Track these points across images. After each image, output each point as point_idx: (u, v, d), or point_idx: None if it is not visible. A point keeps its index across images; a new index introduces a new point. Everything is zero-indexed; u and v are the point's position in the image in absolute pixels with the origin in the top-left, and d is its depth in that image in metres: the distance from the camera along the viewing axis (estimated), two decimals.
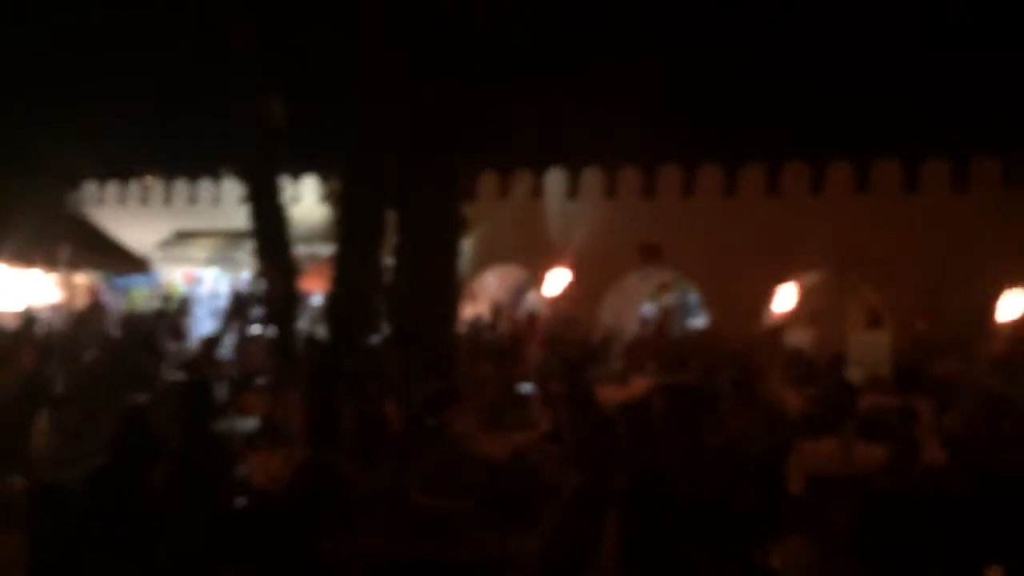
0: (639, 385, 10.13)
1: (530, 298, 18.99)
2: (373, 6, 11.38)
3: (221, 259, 19.18)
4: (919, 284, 14.66)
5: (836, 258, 15.50)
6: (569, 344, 13.96)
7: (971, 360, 11.16)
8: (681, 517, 4.09)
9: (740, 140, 17.09)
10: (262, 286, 13.10)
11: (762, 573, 4.87)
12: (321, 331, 12.38)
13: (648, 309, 19.76)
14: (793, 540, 5.37)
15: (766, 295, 16.19)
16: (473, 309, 17.60)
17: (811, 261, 15.87)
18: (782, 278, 16.00)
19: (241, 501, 5.40)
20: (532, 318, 16.94)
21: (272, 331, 12.72)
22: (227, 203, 19.35)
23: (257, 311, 13.63)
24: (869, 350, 14.73)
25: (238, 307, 15.31)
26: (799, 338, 15.60)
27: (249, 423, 8.36)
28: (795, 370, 11.10)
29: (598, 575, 4.00)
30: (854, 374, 12.44)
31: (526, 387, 10.01)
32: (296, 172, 18.65)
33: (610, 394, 8.31)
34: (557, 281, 17.08)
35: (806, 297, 17.05)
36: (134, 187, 21.39)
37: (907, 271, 14.88)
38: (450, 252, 11.72)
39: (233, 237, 18.04)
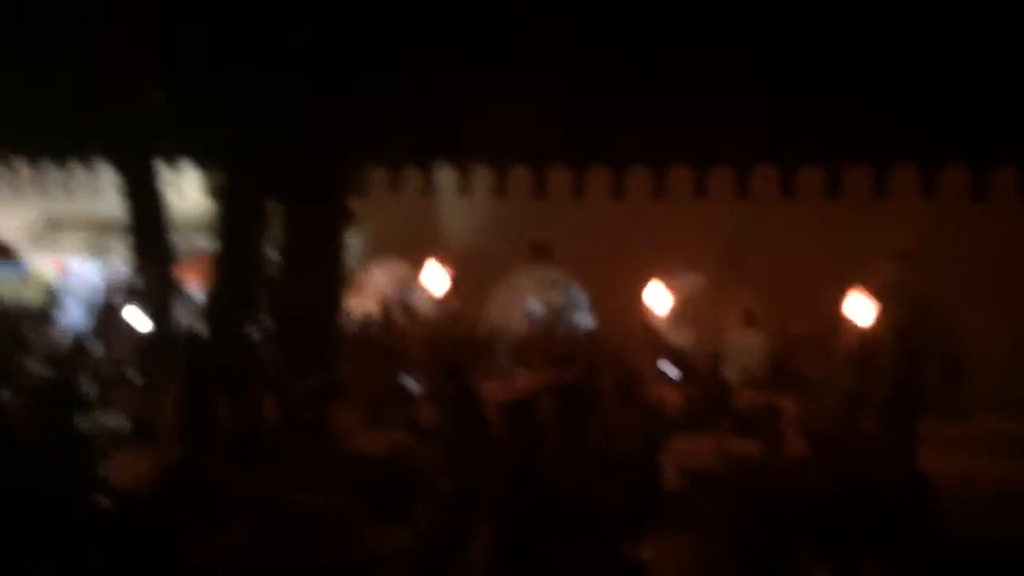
0: (524, 382, 10.20)
1: (418, 294, 18.89)
2: None
3: (95, 249, 18.45)
4: (793, 286, 15.22)
5: (715, 259, 15.96)
6: (454, 340, 13.95)
7: (828, 358, 11.68)
8: (553, 517, 4.13)
9: (626, 143, 17.39)
10: (138, 278, 12.65)
11: (633, 565, 4.96)
12: (200, 325, 12.03)
13: (536, 307, 19.92)
14: (668, 533, 5.50)
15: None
16: (360, 304, 17.39)
17: (692, 262, 16.29)
18: (664, 278, 16.37)
19: (104, 502, 5.17)
20: (409, 313, 16.82)
21: (147, 325, 12.27)
22: (103, 191, 18.60)
23: (132, 303, 13.12)
24: (745, 349, 15.23)
25: (112, 299, 14.72)
26: (679, 337, 15.99)
27: (119, 420, 8.05)
28: (666, 368, 11.39)
29: (468, 574, 4.00)
30: (731, 373, 12.86)
31: (411, 383, 9.95)
32: (177, 161, 18.07)
33: (496, 391, 8.33)
34: (434, 275, 16.97)
35: (687, 297, 17.50)
36: (2, 172, 20.35)
37: (782, 273, 15.43)
38: (336, 246, 11.55)
39: (109, 226, 17.38)
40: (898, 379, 9.31)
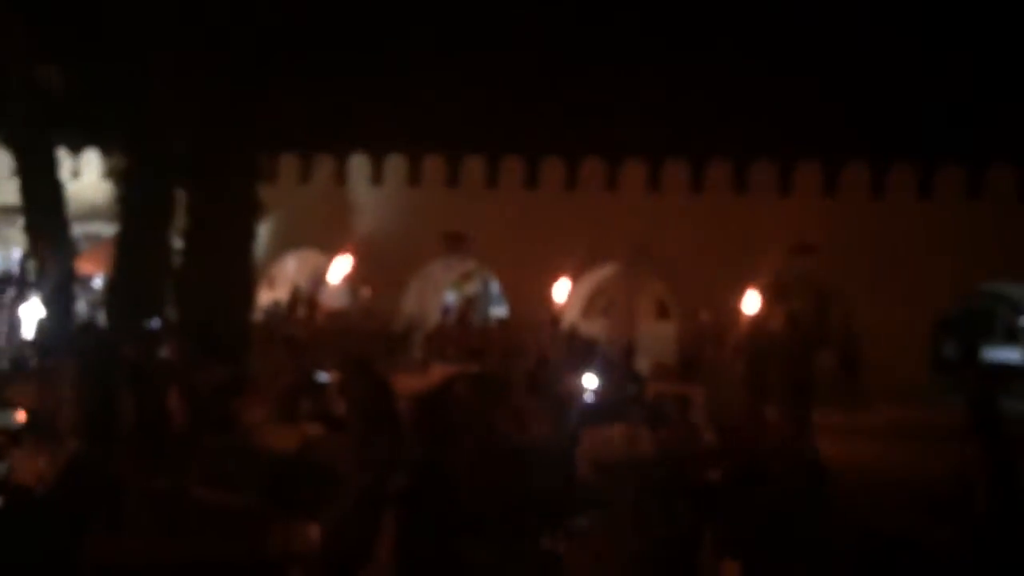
0: (438, 374, 10.15)
1: (329, 285, 18.67)
2: None
3: None
4: (702, 278, 15.55)
5: (628, 252, 16.17)
6: (367, 333, 13.82)
7: (724, 348, 11.97)
8: (462, 513, 4.11)
9: (541, 135, 17.47)
10: (34, 266, 12.16)
11: (547, 558, 4.99)
12: (101, 316, 11.63)
13: (450, 298, 19.88)
14: (581, 525, 5.55)
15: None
16: (271, 295, 17.07)
17: (606, 254, 16.48)
18: (578, 270, 16.51)
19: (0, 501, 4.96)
20: (312, 304, 16.58)
21: (45, 315, 11.79)
22: None
23: (28, 292, 12.60)
24: (657, 340, 15.51)
25: (6, 288, 14.10)
26: (594, 328, 16.17)
27: (15, 416, 7.71)
28: (575, 359, 11.46)
29: (375, 572, 3.96)
30: (643, 363, 13.07)
31: (323, 376, 9.79)
32: (77, 145, 17.39)
33: (409, 383, 8.26)
34: (340, 268, 16.78)
35: (599, 288, 17.71)
36: None
37: (692, 266, 15.74)
38: (244, 235, 11.28)
39: (3, 212, 16.63)
40: (790, 369, 9.60)
